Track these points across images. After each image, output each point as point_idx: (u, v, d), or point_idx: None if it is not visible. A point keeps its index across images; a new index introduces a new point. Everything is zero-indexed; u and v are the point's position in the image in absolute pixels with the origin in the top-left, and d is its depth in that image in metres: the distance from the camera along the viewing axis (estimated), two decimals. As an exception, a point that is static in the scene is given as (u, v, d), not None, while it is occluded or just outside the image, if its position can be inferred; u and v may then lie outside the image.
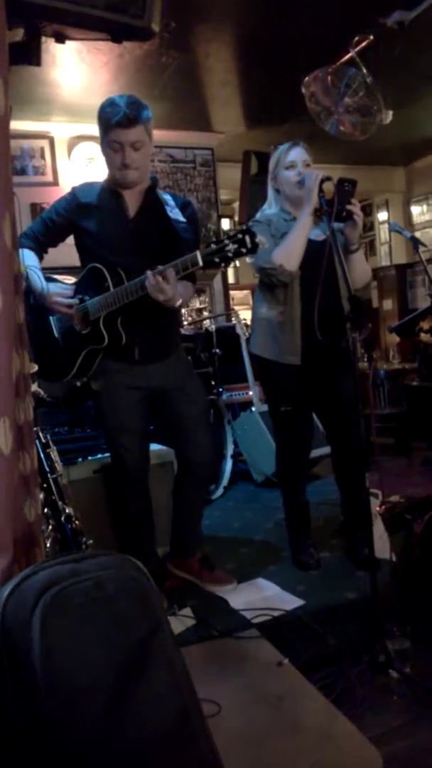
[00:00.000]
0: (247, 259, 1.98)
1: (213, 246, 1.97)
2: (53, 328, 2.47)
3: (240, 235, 1.92)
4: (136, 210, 2.33)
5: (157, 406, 2.44)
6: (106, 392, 2.38)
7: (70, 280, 2.48)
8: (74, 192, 2.41)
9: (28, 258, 2.35)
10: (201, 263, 2.00)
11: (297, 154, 2.52)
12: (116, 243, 2.29)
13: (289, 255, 2.42)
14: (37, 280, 2.34)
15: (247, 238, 1.91)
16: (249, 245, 1.91)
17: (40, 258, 2.45)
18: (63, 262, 2.62)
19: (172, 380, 2.41)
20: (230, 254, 1.94)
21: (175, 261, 2.06)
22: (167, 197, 2.35)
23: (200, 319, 4.75)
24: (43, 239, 2.43)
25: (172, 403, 2.41)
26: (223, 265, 1.99)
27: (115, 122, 2.12)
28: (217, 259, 1.97)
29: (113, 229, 2.30)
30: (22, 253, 2.34)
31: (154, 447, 2.81)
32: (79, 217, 2.34)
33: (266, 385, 2.84)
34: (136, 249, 2.29)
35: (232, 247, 1.93)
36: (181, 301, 2.22)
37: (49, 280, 2.46)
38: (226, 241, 1.94)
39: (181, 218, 2.29)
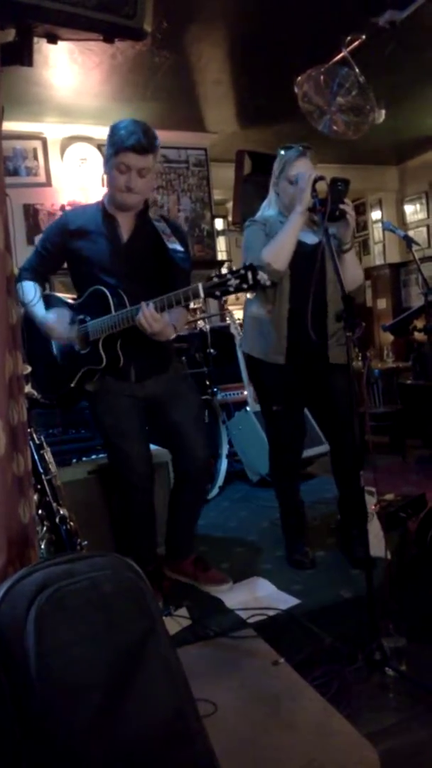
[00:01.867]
0: (248, 295, 2.02)
1: (215, 279, 2.01)
2: (52, 344, 2.47)
3: (243, 271, 1.95)
4: (130, 234, 2.34)
5: (153, 413, 2.44)
6: (104, 402, 2.39)
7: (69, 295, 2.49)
8: (65, 216, 2.43)
9: (28, 293, 2.38)
10: (202, 296, 2.03)
11: (303, 166, 2.48)
12: (110, 267, 2.30)
13: (277, 254, 2.42)
14: (37, 311, 2.39)
15: (249, 275, 1.94)
16: (251, 281, 1.94)
17: (43, 287, 2.48)
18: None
19: (168, 389, 2.42)
20: (231, 289, 1.97)
21: (176, 291, 2.08)
22: (161, 225, 2.35)
23: (194, 319, 4.74)
24: (40, 269, 2.45)
25: (166, 410, 2.42)
26: (223, 298, 2.04)
27: (129, 146, 2.13)
28: (218, 293, 2.01)
29: (107, 253, 2.31)
30: (22, 287, 2.37)
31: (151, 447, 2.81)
32: (70, 241, 2.34)
33: (257, 384, 2.85)
34: (130, 273, 2.30)
35: (234, 282, 1.96)
36: (175, 334, 2.27)
37: (50, 298, 2.48)
38: (229, 276, 1.98)
39: (179, 247, 2.31)
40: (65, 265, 2.47)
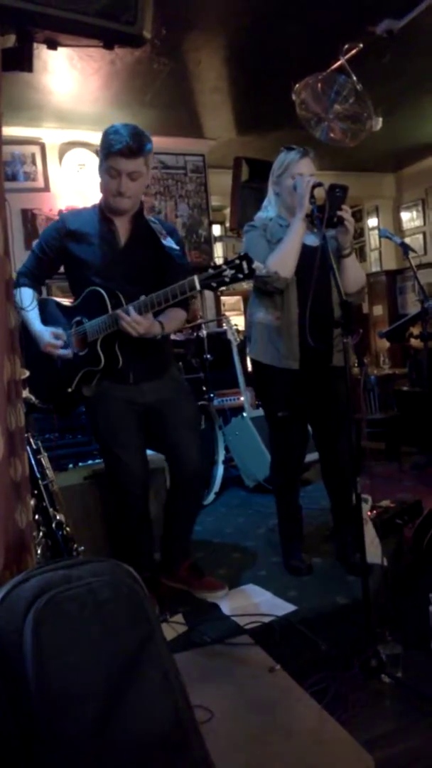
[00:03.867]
0: (244, 284, 2.02)
1: (210, 271, 2.01)
2: None
3: (237, 261, 1.96)
4: (127, 237, 2.36)
5: (149, 420, 2.43)
6: (101, 408, 2.39)
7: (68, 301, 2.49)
8: (63, 219, 2.43)
9: (26, 298, 2.38)
10: (198, 287, 2.04)
11: (307, 166, 2.52)
12: (107, 271, 2.30)
13: (283, 262, 2.43)
14: (33, 322, 2.39)
15: (244, 264, 1.94)
16: (246, 271, 1.94)
17: (39, 292, 2.48)
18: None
19: (165, 396, 2.41)
20: (227, 279, 1.97)
21: (173, 285, 2.08)
22: (157, 226, 2.37)
23: (191, 324, 4.75)
24: (38, 273, 2.45)
25: (163, 417, 2.41)
26: (219, 289, 2.03)
27: (117, 151, 2.14)
28: (214, 284, 2.01)
29: (104, 257, 2.32)
30: (20, 293, 2.38)
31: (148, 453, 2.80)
32: (69, 243, 2.35)
33: (263, 390, 2.81)
34: (127, 276, 2.31)
35: (229, 272, 1.97)
36: (160, 331, 2.26)
37: (48, 304, 2.47)
38: (224, 267, 1.98)
39: (175, 246, 2.33)
40: (62, 270, 2.47)
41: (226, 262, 1.99)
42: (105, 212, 2.34)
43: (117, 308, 2.20)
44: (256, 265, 1.94)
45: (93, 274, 2.30)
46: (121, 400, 2.37)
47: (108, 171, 2.22)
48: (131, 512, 2.45)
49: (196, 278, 2.02)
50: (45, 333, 2.38)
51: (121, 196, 2.24)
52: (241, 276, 1.95)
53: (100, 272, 2.30)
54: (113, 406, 2.37)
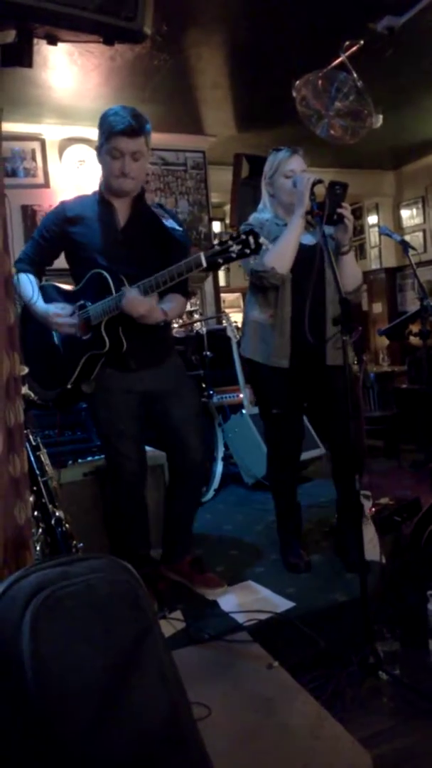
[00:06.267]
0: (251, 260, 1.99)
1: (217, 247, 1.99)
2: (54, 335, 2.46)
3: (244, 236, 1.93)
4: (127, 220, 2.35)
5: (151, 409, 2.43)
6: (101, 397, 2.38)
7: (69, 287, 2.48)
8: (63, 205, 2.43)
9: (25, 287, 2.37)
10: (205, 264, 2.01)
11: (298, 163, 2.54)
12: (107, 252, 2.30)
13: (280, 258, 2.43)
14: (39, 307, 2.37)
15: (251, 239, 1.92)
16: (253, 246, 1.93)
17: (39, 279, 2.47)
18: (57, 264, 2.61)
19: (166, 384, 2.41)
20: (234, 255, 1.95)
21: (178, 264, 2.07)
22: (158, 210, 2.37)
23: (191, 321, 4.75)
24: (38, 259, 2.44)
25: (164, 406, 2.41)
26: (225, 265, 2.01)
27: (119, 130, 2.15)
28: (220, 260, 1.98)
29: (104, 239, 2.31)
30: (19, 279, 2.37)
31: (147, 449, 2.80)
32: (69, 228, 2.35)
33: (257, 388, 2.85)
34: (128, 258, 2.30)
35: (235, 247, 1.94)
36: (163, 318, 2.25)
37: (47, 289, 2.46)
38: (230, 242, 1.95)
39: (177, 226, 2.32)
40: (64, 264, 2.46)
41: (232, 237, 1.96)
42: (105, 196, 2.34)
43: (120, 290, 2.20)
44: (262, 240, 1.93)
45: (94, 257, 2.29)
46: (122, 389, 2.36)
47: (110, 152, 2.21)
48: (125, 500, 2.45)
49: (202, 254, 2.00)
50: (50, 308, 2.37)
51: (125, 176, 2.23)
52: (248, 251, 1.93)
53: (101, 254, 2.29)
54: (114, 397, 2.36)
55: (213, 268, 2.03)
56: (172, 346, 2.55)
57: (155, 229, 2.32)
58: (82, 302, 2.34)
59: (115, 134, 2.16)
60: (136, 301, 2.12)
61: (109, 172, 2.27)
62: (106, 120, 2.20)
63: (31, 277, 2.41)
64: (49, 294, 2.46)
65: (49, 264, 2.52)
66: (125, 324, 2.24)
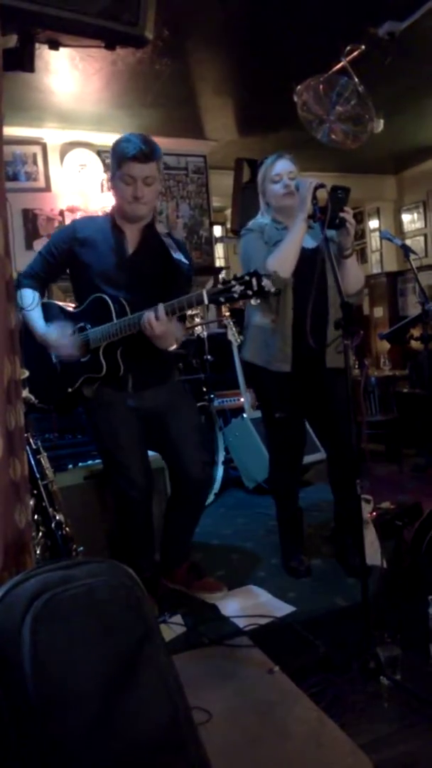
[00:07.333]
0: (252, 301, 2.02)
1: (220, 286, 2.02)
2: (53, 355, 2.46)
3: (247, 278, 1.95)
4: (136, 247, 2.36)
5: (150, 426, 2.42)
6: (100, 412, 2.38)
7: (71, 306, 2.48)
8: (74, 225, 2.44)
9: (27, 299, 2.37)
10: (206, 301, 2.04)
11: (282, 166, 2.55)
12: (113, 278, 2.31)
13: (282, 262, 2.43)
14: (37, 322, 2.37)
15: (254, 281, 1.94)
16: (255, 288, 1.94)
17: (42, 294, 2.47)
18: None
19: (165, 403, 2.41)
20: (236, 295, 1.98)
21: (180, 298, 2.09)
22: (168, 240, 2.38)
23: (192, 325, 4.75)
24: (43, 275, 2.44)
25: (164, 424, 2.40)
26: (226, 305, 2.04)
27: (132, 156, 2.16)
28: (222, 299, 2.01)
29: (111, 264, 2.32)
30: (21, 294, 2.37)
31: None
32: (77, 248, 2.35)
33: (259, 392, 2.85)
34: (132, 284, 2.31)
35: (238, 288, 1.97)
36: (176, 344, 2.28)
37: (49, 306, 2.46)
38: (233, 282, 1.98)
39: (184, 259, 2.34)
40: (66, 271, 2.47)
41: (236, 278, 1.98)
42: (117, 221, 2.35)
43: (121, 317, 2.21)
44: (265, 283, 1.94)
45: (99, 281, 2.30)
46: (122, 405, 2.36)
47: (122, 178, 2.22)
48: (133, 518, 2.43)
49: (204, 292, 2.03)
50: (51, 332, 2.36)
51: (137, 201, 2.24)
52: (250, 293, 1.95)
53: (106, 279, 2.30)
54: (114, 412, 2.36)
55: (214, 304, 2.07)
56: (173, 368, 2.56)
57: (162, 259, 2.33)
58: (82, 324, 2.35)
59: (127, 160, 2.18)
60: (161, 319, 2.12)
61: (122, 198, 2.27)
62: (118, 147, 2.22)
63: (33, 292, 2.41)
64: (53, 313, 2.47)
65: (53, 281, 2.54)
66: (126, 347, 2.25)
